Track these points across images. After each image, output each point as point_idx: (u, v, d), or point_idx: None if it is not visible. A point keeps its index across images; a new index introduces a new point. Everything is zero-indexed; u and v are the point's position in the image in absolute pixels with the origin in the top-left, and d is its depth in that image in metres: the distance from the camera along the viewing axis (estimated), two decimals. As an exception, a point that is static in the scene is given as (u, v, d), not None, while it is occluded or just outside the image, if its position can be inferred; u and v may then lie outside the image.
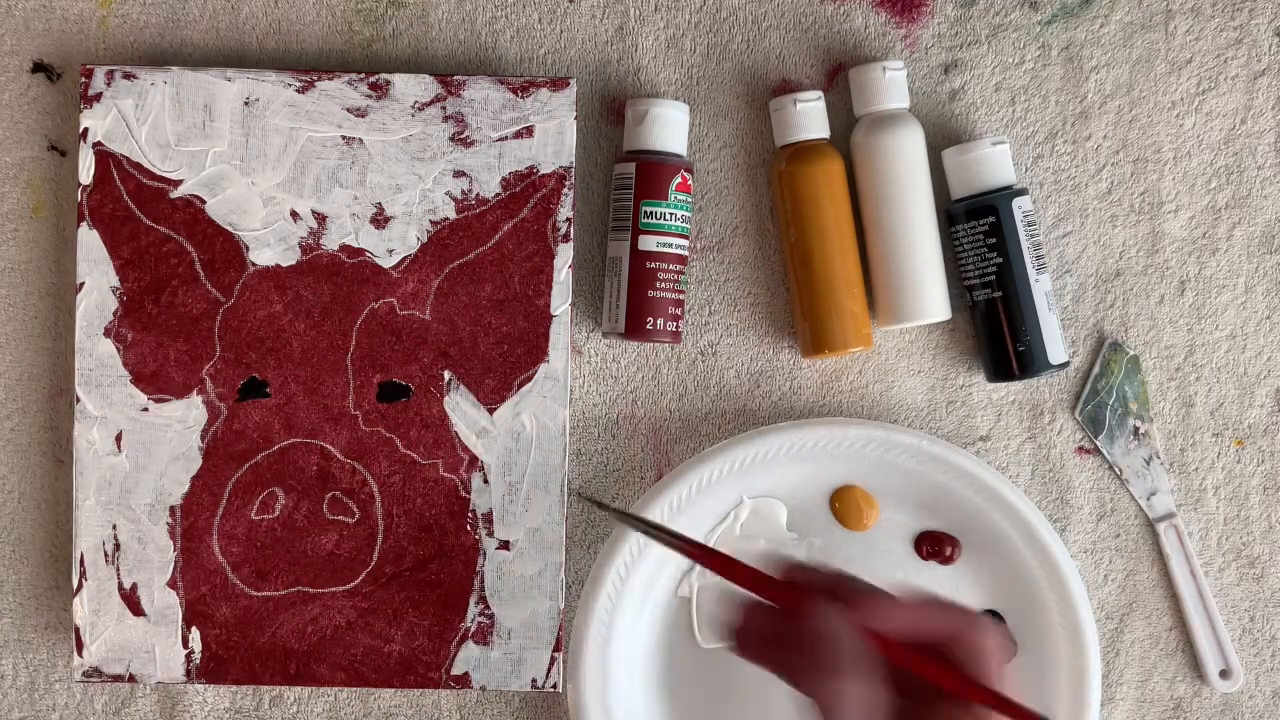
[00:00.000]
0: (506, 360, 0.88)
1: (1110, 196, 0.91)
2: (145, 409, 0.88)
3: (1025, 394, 0.91)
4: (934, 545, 0.90)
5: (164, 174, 0.88)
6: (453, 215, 0.88)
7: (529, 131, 0.88)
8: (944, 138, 0.91)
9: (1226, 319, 0.91)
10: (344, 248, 0.88)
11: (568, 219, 0.88)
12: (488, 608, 0.88)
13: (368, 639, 0.88)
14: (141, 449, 0.88)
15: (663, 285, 0.88)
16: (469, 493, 0.88)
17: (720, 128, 0.91)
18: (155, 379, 0.88)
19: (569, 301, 0.88)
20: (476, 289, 0.88)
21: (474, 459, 0.88)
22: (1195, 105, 0.91)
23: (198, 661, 0.88)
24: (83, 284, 0.88)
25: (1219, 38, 0.91)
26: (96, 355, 0.88)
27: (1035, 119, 0.91)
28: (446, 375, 0.88)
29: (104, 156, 0.87)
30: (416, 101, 0.88)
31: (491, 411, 0.88)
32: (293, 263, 0.88)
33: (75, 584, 0.88)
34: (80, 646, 0.88)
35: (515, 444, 0.88)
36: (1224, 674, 0.91)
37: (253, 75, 0.88)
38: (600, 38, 0.90)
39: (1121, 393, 0.91)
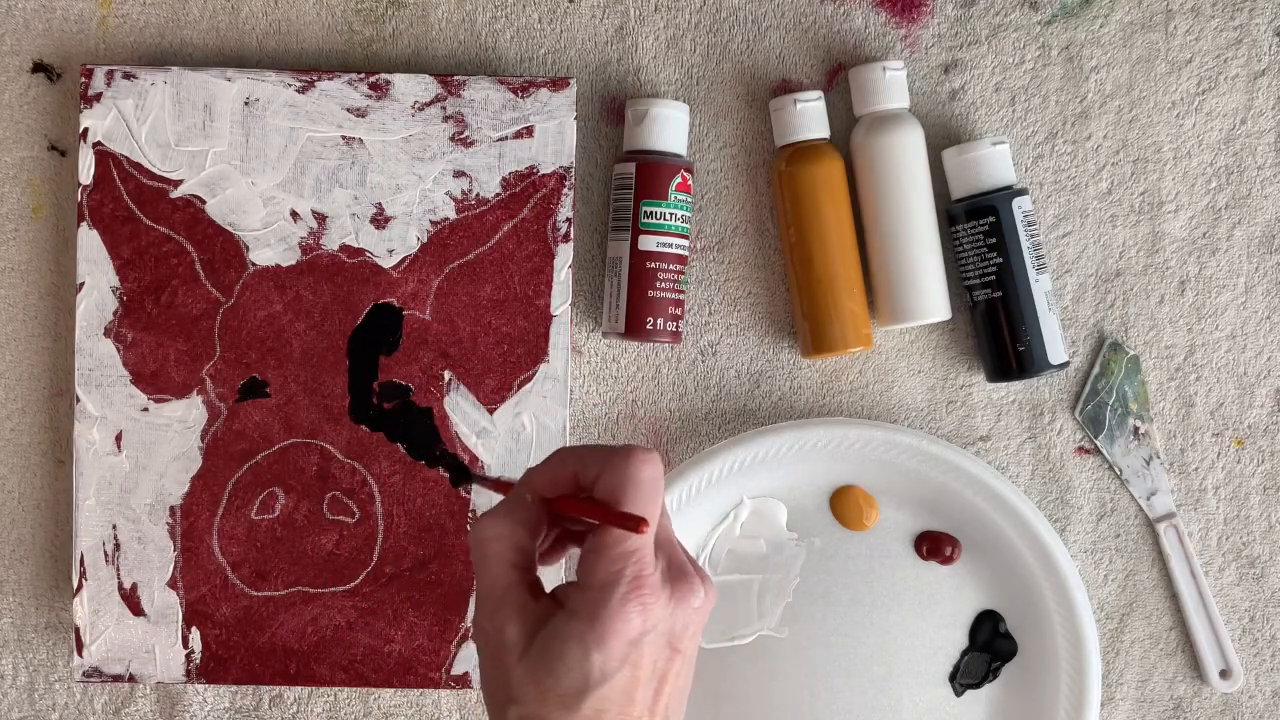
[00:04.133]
0: (506, 360, 0.88)
1: (1110, 196, 0.91)
2: (145, 409, 0.88)
3: (1025, 394, 0.91)
4: (934, 545, 0.90)
5: (164, 174, 0.88)
6: (453, 215, 0.88)
7: (529, 131, 0.88)
8: (944, 138, 0.91)
9: (1226, 319, 0.91)
10: (344, 248, 0.88)
11: (568, 219, 0.88)
12: (488, 608, 0.88)
13: (368, 639, 0.88)
14: (141, 449, 0.88)
15: (663, 285, 0.88)
16: (469, 493, 0.88)
17: (720, 128, 0.91)
18: (155, 379, 0.88)
19: (569, 301, 0.88)
20: (476, 289, 0.88)
21: (474, 459, 0.88)
22: (1195, 105, 0.91)
23: (198, 661, 0.88)
24: (83, 284, 0.88)
25: (1219, 38, 0.91)
26: (96, 355, 0.88)
27: (1035, 119, 0.91)
28: (446, 375, 0.88)
29: (104, 156, 0.87)
30: (416, 101, 0.88)
31: (491, 411, 0.88)
32: (293, 263, 0.88)
33: (75, 584, 0.88)
34: (80, 646, 0.88)
35: (515, 444, 0.88)
36: (1224, 674, 0.91)
37: (253, 75, 0.88)
38: (600, 38, 0.90)
39: (1121, 393, 0.91)
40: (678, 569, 0.66)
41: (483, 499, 0.88)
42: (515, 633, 0.65)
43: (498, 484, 0.72)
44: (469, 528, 0.66)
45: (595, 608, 0.63)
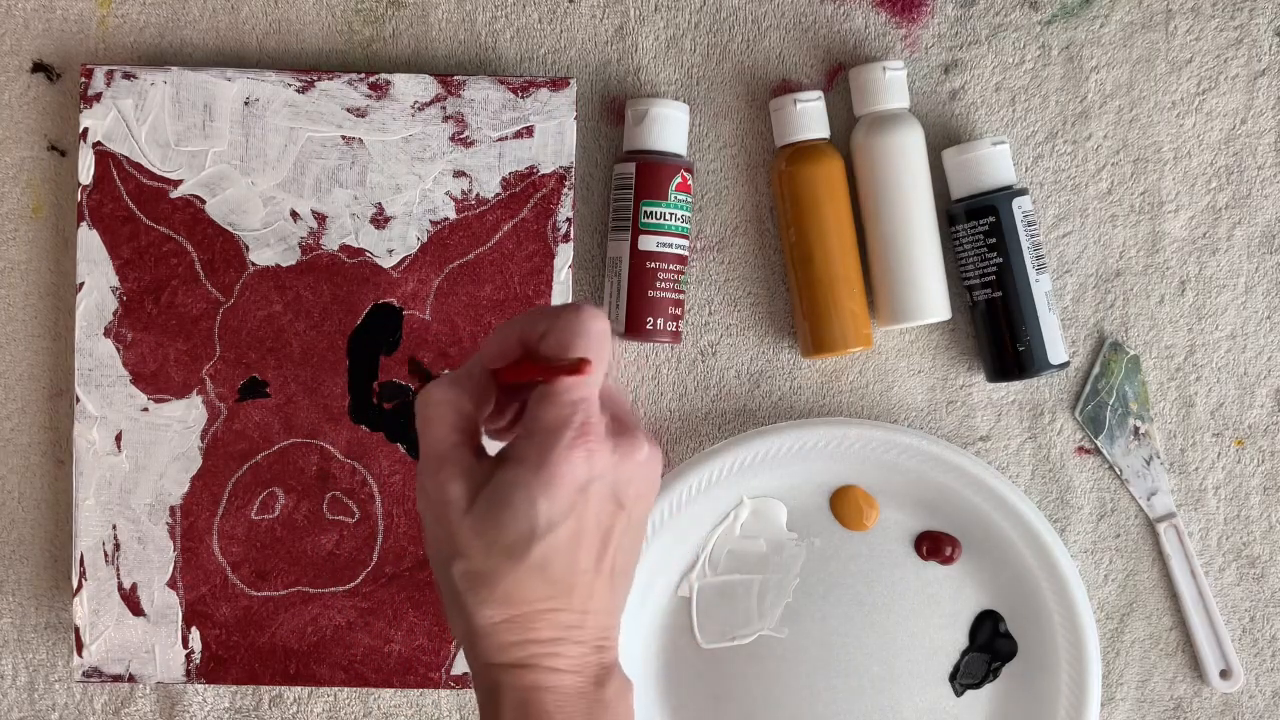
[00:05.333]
0: (506, 360, 0.88)
1: (1110, 196, 0.91)
2: (145, 409, 0.88)
3: (1025, 394, 0.91)
4: (934, 545, 0.90)
5: (164, 174, 0.88)
6: (453, 215, 0.88)
7: (529, 131, 0.88)
8: (944, 138, 0.91)
9: (1226, 319, 0.91)
10: (344, 248, 0.88)
11: (568, 219, 0.88)
12: (488, 608, 0.88)
13: (368, 639, 0.88)
14: (141, 449, 0.88)
15: (663, 285, 0.88)
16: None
17: (720, 128, 0.91)
18: (155, 379, 0.88)
19: (569, 301, 0.88)
20: (476, 289, 0.88)
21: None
22: (1195, 105, 0.91)
23: (197, 661, 0.88)
24: (83, 284, 0.88)
25: (1219, 38, 0.91)
26: (96, 355, 0.88)
27: (1035, 119, 0.91)
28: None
29: (104, 156, 0.87)
30: (416, 101, 0.88)
31: (491, 411, 0.88)
32: (293, 263, 0.88)
33: (75, 584, 0.88)
34: (80, 646, 0.88)
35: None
36: (1224, 674, 0.91)
37: (253, 75, 0.88)
38: (600, 38, 0.90)
39: (1121, 393, 0.91)
40: (623, 424, 0.66)
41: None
42: (459, 490, 0.65)
43: None
44: (416, 397, 0.66)
45: (542, 453, 0.63)
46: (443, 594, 0.67)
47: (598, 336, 0.65)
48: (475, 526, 0.64)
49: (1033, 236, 0.88)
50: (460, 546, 0.64)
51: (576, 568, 0.65)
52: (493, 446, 0.68)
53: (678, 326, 0.88)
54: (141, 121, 0.87)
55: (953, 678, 0.90)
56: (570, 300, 0.88)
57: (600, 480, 0.64)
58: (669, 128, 0.88)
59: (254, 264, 0.88)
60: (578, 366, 0.63)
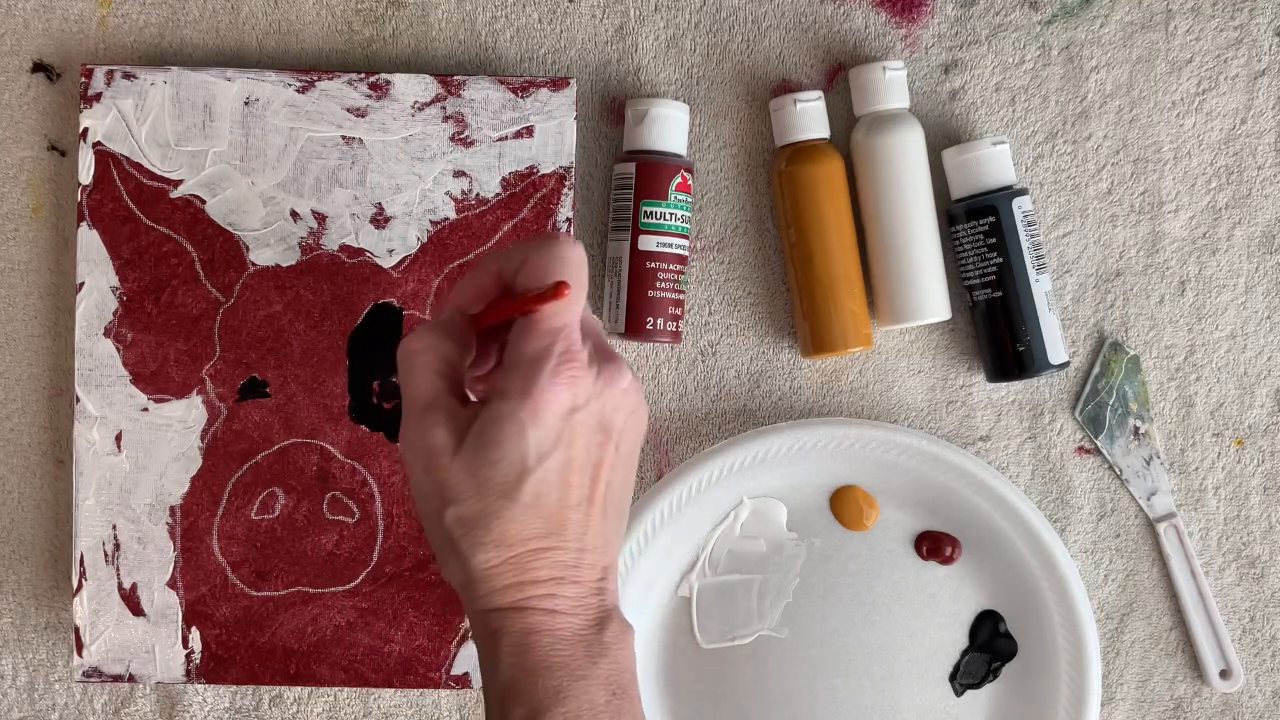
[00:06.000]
0: (506, 360, 0.88)
1: (1110, 196, 0.91)
2: (145, 409, 0.88)
3: (1025, 394, 0.91)
4: (934, 545, 0.90)
5: (164, 174, 0.88)
6: (453, 215, 0.88)
7: (529, 131, 0.88)
8: (944, 138, 0.91)
9: (1226, 319, 0.91)
10: (344, 248, 0.88)
11: (568, 219, 0.88)
12: (488, 608, 0.88)
13: (368, 639, 0.88)
14: (141, 449, 0.88)
15: (663, 285, 0.88)
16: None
17: (720, 128, 0.91)
18: (155, 379, 0.88)
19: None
20: (476, 289, 0.88)
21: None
22: (1195, 105, 0.91)
23: (197, 661, 0.88)
24: (83, 284, 0.88)
25: (1219, 38, 0.91)
26: (96, 355, 0.88)
27: (1035, 119, 0.91)
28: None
29: (104, 156, 0.87)
30: (416, 101, 0.88)
31: (491, 411, 0.88)
32: (293, 263, 0.88)
33: (75, 584, 0.88)
34: (80, 646, 0.88)
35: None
36: (1224, 674, 0.91)
37: (253, 75, 0.88)
38: (600, 38, 0.90)
39: (1121, 393, 0.91)
40: (604, 352, 0.66)
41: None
42: (444, 434, 0.64)
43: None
44: (399, 346, 0.66)
45: (527, 383, 0.63)
46: (435, 545, 0.66)
47: (575, 263, 0.65)
48: (466, 467, 0.63)
49: (1033, 236, 0.88)
50: (452, 492, 0.64)
51: (569, 501, 0.64)
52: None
53: (678, 326, 0.88)
54: (141, 121, 0.87)
55: (953, 678, 0.90)
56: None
57: (586, 409, 0.64)
58: (669, 128, 0.88)
59: (254, 264, 0.88)
60: (556, 290, 0.63)
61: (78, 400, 0.87)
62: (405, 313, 0.88)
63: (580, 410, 0.64)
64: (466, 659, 0.88)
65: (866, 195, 0.89)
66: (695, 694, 0.90)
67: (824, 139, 0.88)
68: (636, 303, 0.88)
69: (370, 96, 0.88)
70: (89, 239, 0.87)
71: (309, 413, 0.88)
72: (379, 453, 0.88)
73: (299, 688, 0.90)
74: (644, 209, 0.87)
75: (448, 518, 0.64)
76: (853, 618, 0.90)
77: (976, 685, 0.91)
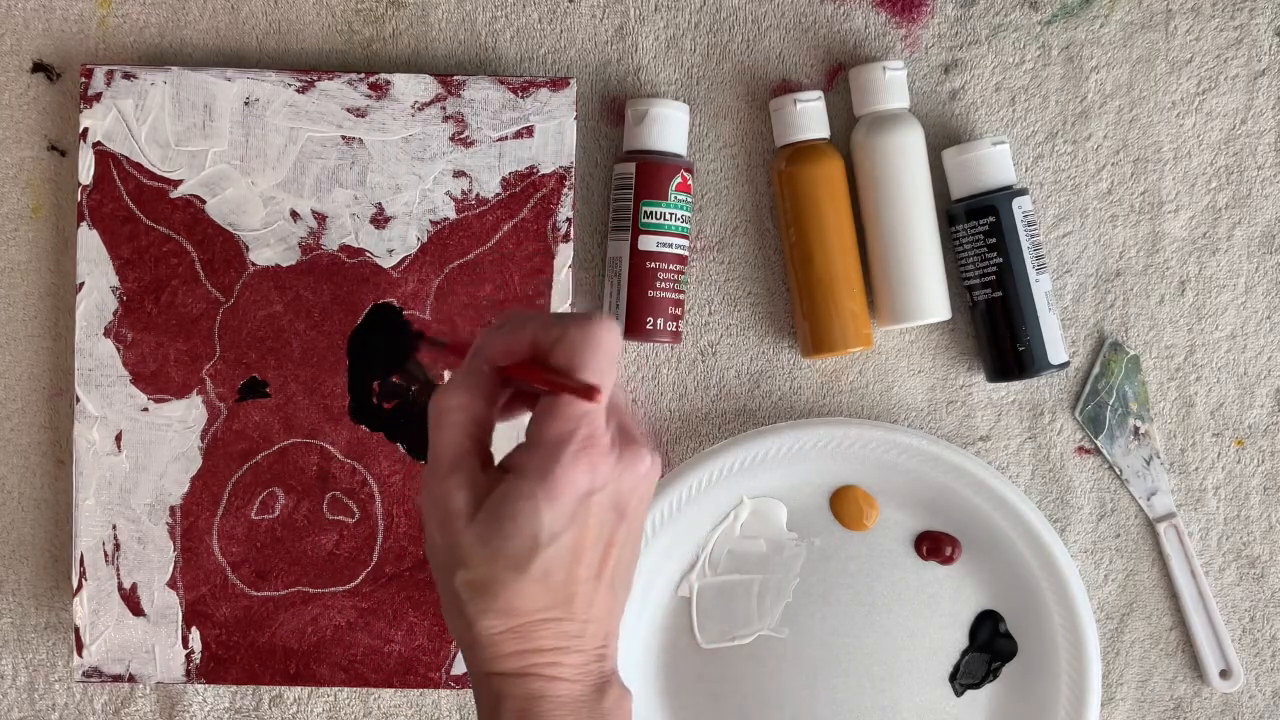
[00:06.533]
0: (506, 360, 0.88)
1: (1110, 196, 0.91)
2: (145, 409, 0.88)
3: (1025, 394, 0.91)
4: (934, 545, 0.90)
5: (164, 174, 0.88)
6: (453, 215, 0.88)
7: (529, 131, 0.88)
8: (944, 138, 0.91)
9: (1226, 319, 0.91)
10: (344, 248, 0.88)
11: (568, 219, 0.88)
12: (488, 608, 0.88)
13: (368, 639, 0.88)
14: (141, 449, 0.88)
15: (663, 285, 0.88)
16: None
17: (720, 128, 0.91)
18: (155, 379, 0.88)
19: (569, 302, 0.88)
20: (476, 289, 0.88)
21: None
22: (1195, 105, 0.91)
23: (197, 661, 0.88)
24: (83, 284, 0.87)
25: (1219, 38, 0.91)
26: (96, 355, 0.88)
27: (1035, 119, 0.91)
28: (446, 375, 0.88)
29: (104, 156, 0.87)
30: (416, 101, 0.88)
31: (491, 411, 0.88)
32: (293, 263, 0.88)
33: (75, 584, 0.88)
34: (80, 646, 0.88)
35: (515, 444, 0.88)
36: (1224, 674, 0.91)
37: (253, 75, 0.88)
38: (600, 38, 0.90)
39: (1121, 393, 0.91)
40: (626, 435, 0.66)
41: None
42: (463, 499, 0.65)
43: (452, 347, 0.72)
44: (430, 400, 0.67)
45: (546, 464, 0.64)
46: (443, 599, 0.67)
47: (609, 354, 0.65)
48: (480, 536, 0.64)
49: (1033, 236, 0.88)
50: (463, 556, 0.64)
51: (578, 577, 0.65)
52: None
53: (678, 326, 0.88)
54: (141, 121, 0.87)
55: (953, 678, 0.90)
56: (570, 302, 0.88)
57: (603, 491, 0.64)
58: (669, 128, 0.88)
59: (254, 264, 0.88)
60: (588, 394, 0.64)
61: (78, 400, 0.87)
62: (405, 312, 0.88)
63: (597, 493, 0.64)
64: (466, 659, 0.88)
65: (866, 195, 0.89)
66: (695, 694, 0.90)
67: (824, 139, 0.88)
68: (636, 303, 0.88)
69: (370, 96, 0.88)
70: (89, 239, 0.87)
71: (309, 413, 0.88)
72: (379, 453, 0.88)
73: (299, 688, 0.90)
74: (644, 209, 0.87)
75: (457, 580, 0.65)
76: (853, 618, 0.90)
77: (976, 685, 0.91)
